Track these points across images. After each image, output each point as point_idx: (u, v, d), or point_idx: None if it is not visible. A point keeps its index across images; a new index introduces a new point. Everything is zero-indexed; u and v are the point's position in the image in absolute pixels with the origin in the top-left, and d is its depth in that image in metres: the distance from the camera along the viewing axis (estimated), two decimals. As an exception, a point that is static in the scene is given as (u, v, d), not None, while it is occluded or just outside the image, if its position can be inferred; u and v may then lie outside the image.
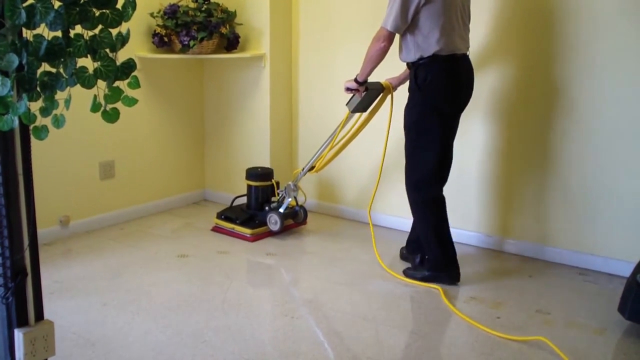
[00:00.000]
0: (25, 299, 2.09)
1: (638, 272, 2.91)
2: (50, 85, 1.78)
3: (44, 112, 1.84)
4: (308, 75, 4.62)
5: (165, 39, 4.32)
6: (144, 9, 4.24)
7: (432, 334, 2.94)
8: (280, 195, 4.23)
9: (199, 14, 4.27)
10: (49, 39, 1.71)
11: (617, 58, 3.44)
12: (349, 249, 3.98)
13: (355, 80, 3.44)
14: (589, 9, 3.48)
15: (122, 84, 1.83)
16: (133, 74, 1.83)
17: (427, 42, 3.16)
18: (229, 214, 4.23)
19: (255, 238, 4.10)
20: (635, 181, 3.48)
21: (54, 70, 1.79)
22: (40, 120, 1.86)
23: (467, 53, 3.34)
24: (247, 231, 4.10)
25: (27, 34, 1.74)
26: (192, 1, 4.39)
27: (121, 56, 1.83)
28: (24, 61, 1.73)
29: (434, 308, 3.19)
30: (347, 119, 3.77)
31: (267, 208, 4.20)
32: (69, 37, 1.74)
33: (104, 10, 1.74)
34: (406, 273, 3.54)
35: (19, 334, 2.07)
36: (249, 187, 4.29)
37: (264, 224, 4.16)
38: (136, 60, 1.88)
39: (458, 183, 3.92)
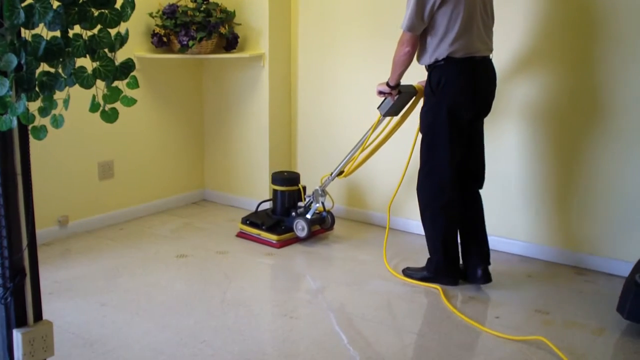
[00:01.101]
0: (24, 299, 2.09)
1: (637, 272, 2.91)
2: (49, 85, 1.78)
3: (43, 112, 1.83)
4: (307, 75, 4.62)
5: (164, 39, 4.32)
6: (143, 9, 4.24)
7: (430, 333, 2.94)
8: (307, 201, 4.11)
9: (197, 13, 4.27)
10: (48, 38, 1.71)
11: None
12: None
13: (387, 83, 3.36)
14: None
15: (121, 84, 1.83)
16: (132, 74, 1.83)
17: (442, 44, 3.09)
18: (255, 220, 4.11)
19: (281, 244, 3.99)
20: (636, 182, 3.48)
21: (52, 70, 1.79)
22: (39, 120, 1.85)
23: (490, 56, 3.23)
24: (273, 237, 3.99)
25: (26, 33, 1.74)
26: (191, 1, 4.39)
27: (120, 56, 1.83)
28: (23, 61, 1.73)
29: (433, 308, 3.19)
30: (378, 122, 3.67)
31: (293, 214, 4.08)
32: (67, 37, 1.74)
33: (103, 10, 1.74)
34: (405, 273, 3.52)
35: (17, 334, 2.06)
36: (275, 191, 4.17)
37: (291, 229, 4.05)
38: (135, 60, 1.88)
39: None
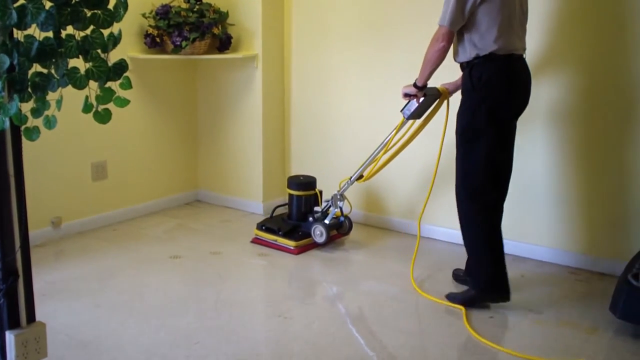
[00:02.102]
0: (17, 301, 2.09)
1: (629, 271, 2.92)
2: (42, 86, 1.78)
3: (36, 113, 1.83)
4: (300, 76, 4.62)
5: (158, 40, 4.31)
6: (136, 9, 4.23)
7: (423, 334, 2.94)
8: (325, 205, 4.01)
9: (191, 14, 4.26)
10: (41, 39, 1.71)
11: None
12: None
13: (414, 85, 3.24)
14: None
15: (114, 85, 1.83)
16: (125, 74, 1.84)
17: (484, 41, 2.98)
18: (270, 225, 4.01)
19: (299, 250, 3.89)
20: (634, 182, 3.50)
21: (45, 70, 1.78)
22: (32, 121, 1.85)
23: (524, 55, 3.15)
24: (290, 243, 3.90)
25: (18, 34, 1.74)
26: (184, 1, 4.38)
27: (113, 57, 1.83)
28: (15, 62, 1.72)
29: (425, 308, 3.19)
30: (402, 125, 3.52)
31: (311, 219, 3.98)
32: (60, 37, 1.74)
33: (96, 11, 1.74)
34: (449, 297, 3.25)
35: (10, 336, 2.06)
36: (291, 196, 4.08)
37: (308, 235, 3.95)
38: (128, 61, 1.88)
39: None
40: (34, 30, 1.71)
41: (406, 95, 3.32)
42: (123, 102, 1.85)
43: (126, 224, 4.41)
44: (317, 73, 4.53)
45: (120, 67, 1.82)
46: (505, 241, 3.71)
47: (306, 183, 4.08)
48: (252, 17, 4.46)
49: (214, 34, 4.34)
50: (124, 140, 4.41)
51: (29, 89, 1.77)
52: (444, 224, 4.09)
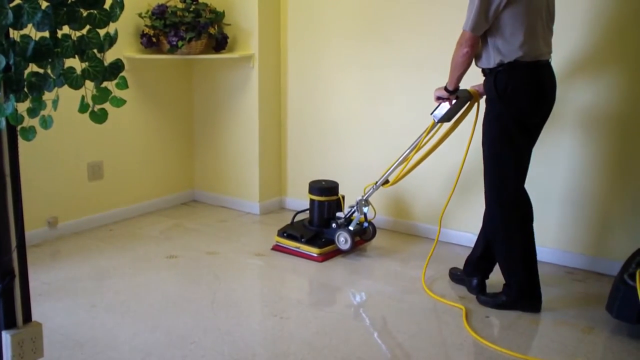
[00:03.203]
0: (13, 301, 2.08)
1: (626, 271, 2.93)
2: (38, 86, 1.78)
3: (32, 113, 1.83)
4: (297, 76, 4.62)
5: (154, 40, 4.31)
6: (132, 9, 4.22)
7: (420, 334, 2.94)
8: (349, 211, 3.89)
9: (187, 14, 4.26)
10: (37, 39, 1.71)
11: None
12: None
13: (445, 88, 3.16)
14: None
15: (110, 85, 1.82)
16: (121, 74, 1.84)
17: (509, 47, 2.89)
18: (292, 232, 3.90)
19: (324, 258, 3.78)
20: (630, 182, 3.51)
21: (41, 70, 1.78)
22: (28, 121, 1.85)
23: (550, 59, 3.05)
24: (314, 250, 3.79)
25: (15, 34, 1.73)
26: (181, 1, 4.38)
27: (109, 57, 1.83)
28: (11, 62, 1.72)
29: (421, 308, 3.19)
30: (432, 128, 3.42)
31: (334, 225, 3.86)
32: (56, 37, 1.74)
33: (92, 11, 1.74)
34: (480, 300, 3.24)
35: (6, 336, 2.06)
36: (313, 202, 3.95)
37: (331, 242, 3.83)
38: (124, 61, 1.88)
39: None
40: (30, 30, 1.71)
41: (438, 98, 3.24)
42: (119, 102, 1.85)
43: (122, 224, 4.40)
44: (313, 73, 4.53)
45: (117, 67, 1.82)
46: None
47: (328, 188, 3.96)
48: (248, 17, 4.45)
49: (210, 33, 4.34)
50: (120, 140, 4.41)
51: (25, 89, 1.77)
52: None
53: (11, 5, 1.67)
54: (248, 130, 4.62)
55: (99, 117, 1.85)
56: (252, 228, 4.42)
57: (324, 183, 4.01)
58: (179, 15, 4.24)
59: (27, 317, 2.13)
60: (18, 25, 1.68)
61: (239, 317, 3.04)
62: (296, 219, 4.10)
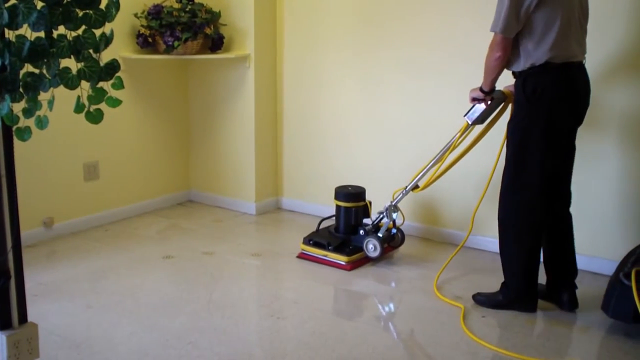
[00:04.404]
0: (9, 302, 2.08)
1: (621, 270, 2.93)
2: (34, 86, 1.77)
3: (27, 113, 1.83)
4: (293, 75, 4.62)
5: (150, 40, 4.30)
6: (128, 9, 4.22)
7: (416, 333, 2.95)
8: (377, 217, 3.78)
9: (183, 14, 4.26)
10: (32, 39, 1.70)
11: None
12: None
13: (481, 89, 3.06)
14: None
15: (105, 85, 1.82)
16: (117, 74, 1.83)
17: (540, 49, 2.79)
18: (318, 239, 3.76)
19: (352, 266, 3.66)
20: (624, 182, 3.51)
21: (37, 71, 1.78)
22: (23, 122, 1.85)
23: (584, 61, 2.95)
24: (342, 259, 3.65)
25: (10, 34, 1.73)
26: (177, 1, 4.37)
27: (105, 57, 1.82)
28: (7, 62, 1.72)
29: (418, 307, 3.20)
30: (465, 130, 3.34)
31: (361, 232, 3.74)
32: (52, 37, 1.73)
33: (88, 11, 1.73)
34: (476, 299, 3.23)
35: (2, 337, 2.05)
36: (339, 208, 3.83)
37: (359, 249, 3.70)
38: (120, 61, 1.88)
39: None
40: (25, 30, 1.71)
41: (474, 99, 3.16)
42: (115, 102, 1.85)
43: (118, 224, 4.40)
44: (309, 73, 4.53)
45: (112, 67, 1.81)
46: (490, 239, 3.60)
47: (355, 194, 3.83)
48: (244, 17, 4.45)
49: (206, 34, 4.34)
50: (116, 141, 4.40)
51: (21, 89, 1.77)
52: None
53: (6, 5, 1.67)
54: (244, 130, 4.61)
55: (95, 117, 1.85)
56: (248, 228, 4.42)
57: (350, 189, 3.88)
58: (175, 15, 4.24)
59: (23, 317, 2.13)
60: (13, 25, 1.67)
61: (236, 317, 3.04)
62: (321, 226, 3.97)
